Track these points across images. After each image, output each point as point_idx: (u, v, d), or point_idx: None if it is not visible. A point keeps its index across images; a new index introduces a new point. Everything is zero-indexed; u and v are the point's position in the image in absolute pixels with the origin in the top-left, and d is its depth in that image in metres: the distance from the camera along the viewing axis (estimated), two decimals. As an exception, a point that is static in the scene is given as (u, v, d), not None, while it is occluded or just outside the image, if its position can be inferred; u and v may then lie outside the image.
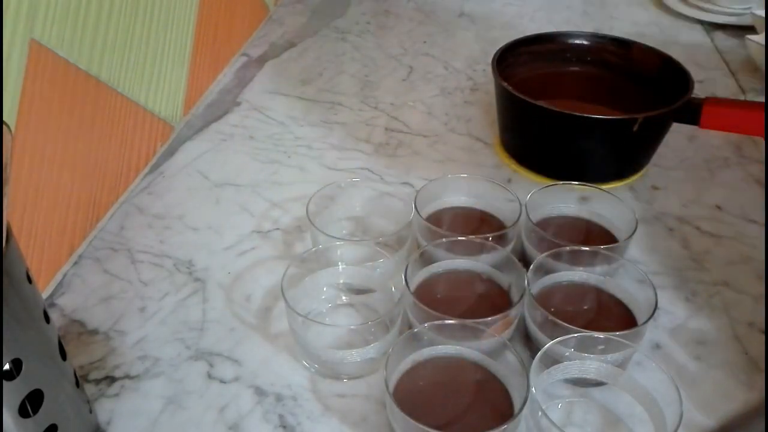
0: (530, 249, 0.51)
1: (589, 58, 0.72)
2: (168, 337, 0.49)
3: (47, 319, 0.36)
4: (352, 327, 0.49)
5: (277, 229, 0.59)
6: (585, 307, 0.48)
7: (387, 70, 0.86)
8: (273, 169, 0.67)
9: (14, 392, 0.34)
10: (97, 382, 0.45)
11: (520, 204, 0.52)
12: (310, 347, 0.45)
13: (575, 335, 0.41)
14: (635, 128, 0.58)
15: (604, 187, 0.55)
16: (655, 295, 0.44)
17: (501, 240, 0.50)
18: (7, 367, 0.33)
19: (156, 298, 0.52)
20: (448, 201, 0.57)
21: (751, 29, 0.88)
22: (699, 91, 0.70)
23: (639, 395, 0.42)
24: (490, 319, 0.42)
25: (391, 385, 0.41)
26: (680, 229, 0.58)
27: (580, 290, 0.49)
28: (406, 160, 0.68)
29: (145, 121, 0.66)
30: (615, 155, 0.63)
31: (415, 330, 0.42)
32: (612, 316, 0.47)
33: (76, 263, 0.55)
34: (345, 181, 0.58)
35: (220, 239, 0.58)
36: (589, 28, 0.95)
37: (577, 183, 0.56)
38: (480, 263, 0.50)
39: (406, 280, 0.45)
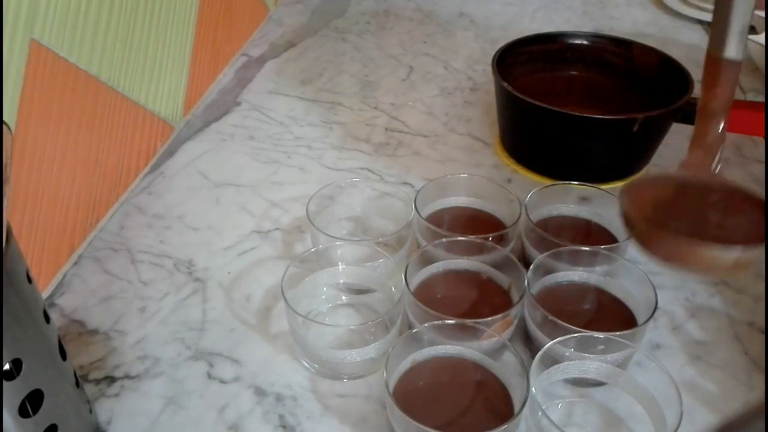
0: (530, 249, 0.51)
1: (589, 58, 0.72)
2: (168, 337, 0.49)
3: (47, 319, 0.36)
4: (352, 327, 0.49)
5: (277, 229, 0.59)
6: (585, 307, 0.48)
7: (387, 70, 0.86)
8: (273, 169, 0.67)
9: (14, 392, 0.34)
10: (97, 382, 0.45)
11: (520, 204, 0.52)
12: (310, 347, 0.45)
13: (575, 335, 0.41)
14: (635, 128, 0.58)
15: (604, 187, 0.55)
16: (655, 295, 0.44)
17: (501, 240, 0.50)
18: (7, 367, 0.33)
19: (156, 298, 0.52)
20: (448, 201, 0.57)
21: (751, 29, 0.88)
22: (699, 91, 0.70)
23: (639, 395, 0.42)
24: (490, 319, 0.42)
25: (391, 385, 0.41)
26: (680, 229, 0.58)
27: (580, 290, 0.49)
28: (406, 160, 0.68)
29: (145, 121, 0.66)
30: (615, 155, 0.63)
31: (415, 330, 0.42)
32: (612, 316, 0.47)
33: (76, 263, 0.55)
34: (345, 181, 0.58)
35: (220, 239, 0.58)
36: (589, 28, 0.95)
37: (577, 183, 0.56)
38: (480, 263, 0.50)
39: (406, 280, 0.45)
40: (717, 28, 0.43)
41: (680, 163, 0.42)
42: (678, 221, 0.38)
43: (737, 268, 0.35)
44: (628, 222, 0.38)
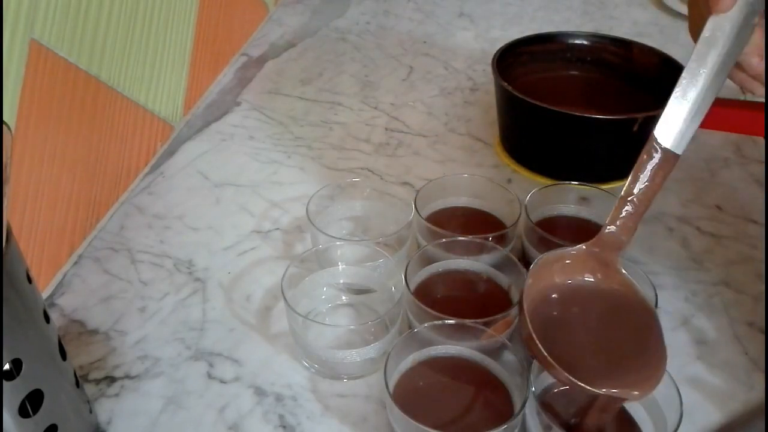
0: (530, 249, 0.51)
1: (589, 58, 0.72)
2: (168, 337, 0.49)
3: (47, 319, 0.36)
4: (352, 327, 0.49)
5: (277, 229, 0.59)
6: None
7: (387, 70, 0.86)
8: (273, 169, 0.67)
9: (14, 392, 0.34)
10: (97, 382, 0.45)
11: (520, 204, 0.52)
12: (310, 347, 0.45)
13: (575, 335, 0.41)
14: (635, 128, 0.58)
15: (604, 187, 0.55)
16: (656, 295, 0.44)
17: (501, 240, 0.50)
18: (7, 367, 0.33)
19: (156, 298, 0.52)
20: (448, 201, 0.57)
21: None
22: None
23: (639, 395, 0.41)
24: (490, 319, 0.42)
25: (391, 385, 0.41)
26: (680, 229, 0.58)
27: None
28: (406, 160, 0.68)
29: (145, 121, 0.66)
30: (615, 155, 0.63)
31: (415, 330, 0.42)
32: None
33: (76, 263, 0.55)
34: (345, 181, 0.58)
35: (220, 239, 0.58)
36: (589, 28, 0.95)
37: (577, 183, 0.56)
38: (480, 263, 0.50)
39: (406, 280, 0.45)
40: (668, 113, 0.39)
41: (593, 240, 0.41)
42: (570, 346, 0.39)
43: None
44: (529, 346, 0.39)
